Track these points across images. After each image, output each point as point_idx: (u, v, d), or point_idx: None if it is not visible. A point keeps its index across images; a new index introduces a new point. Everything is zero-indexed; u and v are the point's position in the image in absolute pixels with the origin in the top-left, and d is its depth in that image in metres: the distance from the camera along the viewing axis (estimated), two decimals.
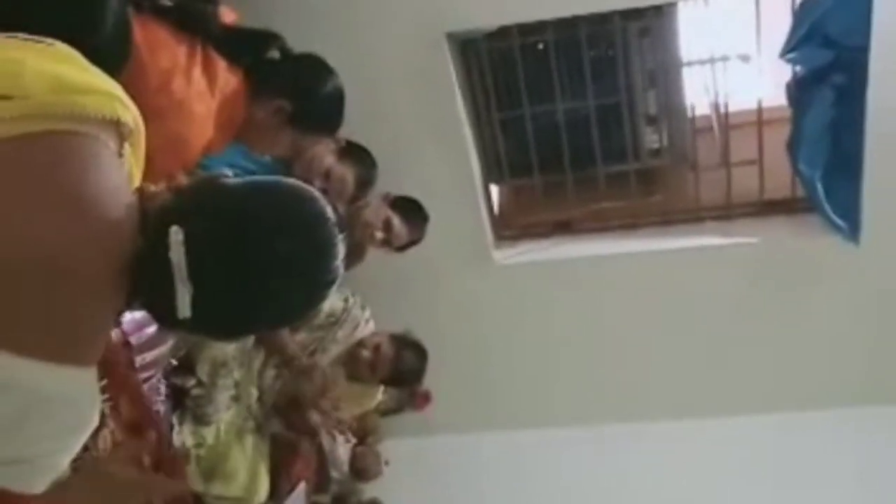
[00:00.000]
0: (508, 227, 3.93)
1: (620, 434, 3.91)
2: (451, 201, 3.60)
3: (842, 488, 3.71)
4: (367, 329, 3.40)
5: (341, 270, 1.38)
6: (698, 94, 3.88)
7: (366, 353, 3.33)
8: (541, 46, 3.59)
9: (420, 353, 3.40)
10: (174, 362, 2.63)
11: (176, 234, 1.17)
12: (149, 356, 2.30)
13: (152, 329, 2.32)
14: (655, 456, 3.85)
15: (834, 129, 3.26)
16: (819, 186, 3.37)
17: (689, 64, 3.80)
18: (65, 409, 1.13)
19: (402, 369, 3.37)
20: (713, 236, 3.68)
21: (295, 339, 3.23)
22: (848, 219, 3.40)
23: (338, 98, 2.36)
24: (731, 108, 3.72)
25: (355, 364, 3.34)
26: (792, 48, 3.10)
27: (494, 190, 3.94)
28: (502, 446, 3.98)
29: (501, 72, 3.60)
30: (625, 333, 3.79)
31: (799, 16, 3.08)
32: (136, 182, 1.33)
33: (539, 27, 3.46)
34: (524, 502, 3.83)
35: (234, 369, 3.08)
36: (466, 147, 3.61)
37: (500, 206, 4.00)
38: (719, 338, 3.73)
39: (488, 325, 3.86)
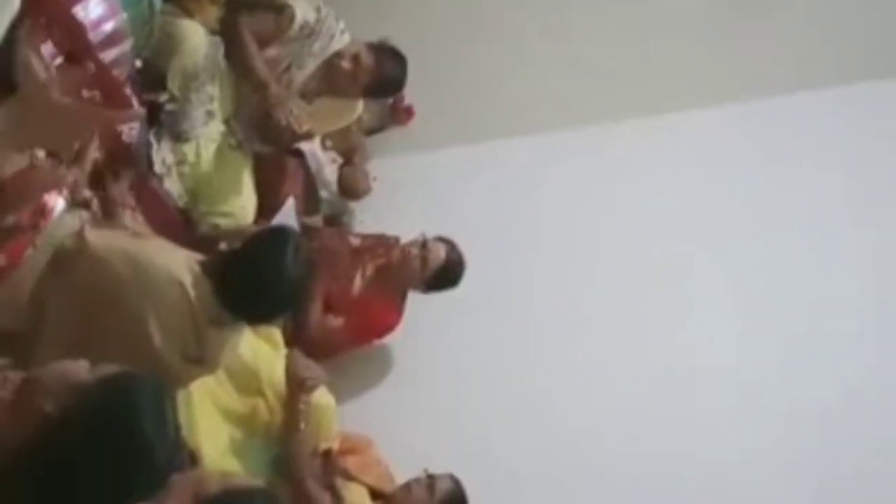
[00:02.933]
0: None
1: (605, 134, 3.89)
2: None
3: (828, 171, 3.73)
4: (342, 41, 3.28)
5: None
6: None
7: (345, 64, 3.24)
8: None
9: (399, 59, 3.33)
10: (139, 64, 2.50)
11: None
12: (111, 53, 2.18)
13: (110, 26, 2.20)
14: (639, 153, 3.86)
15: None
16: None
17: None
18: None
19: (383, 77, 3.29)
20: None
21: (267, 57, 3.13)
22: None
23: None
24: None
25: (335, 76, 3.25)
26: None
27: None
28: (487, 157, 3.96)
29: None
30: (601, 27, 3.66)
31: None
32: None
33: None
34: (513, 211, 3.84)
35: (207, 83, 3.00)
36: None
37: None
38: (698, 24, 3.60)
39: (467, 32, 3.72)
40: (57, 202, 2.00)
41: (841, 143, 3.72)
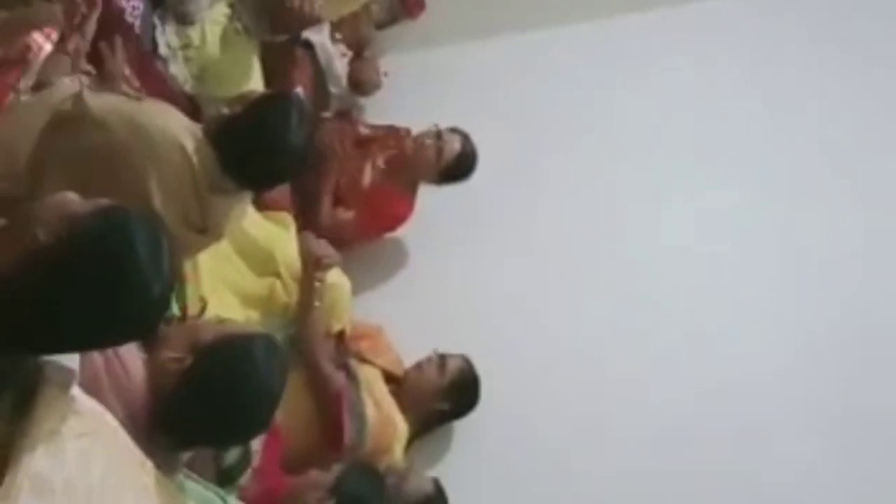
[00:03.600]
0: None
1: (620, 26, 3.82)
2: None
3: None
4: None
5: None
6: None
7: None
8: None
9: None
10: None
11: None
12: None
13: None
14: (661, 44, 3.77)
15: None
16: None
17: None
18: None
19: None
20: None
21: None
22: None
23: None
24: None
25: None
26: None
27: None
28: (499, 50, 3.89)
29: None
30: None
31: None
32: None
33: None
34: (525, 106, 3.77)
35: None
36: None
37: None
38: None
39: None
40: (45, 44, 1.95)
41: None
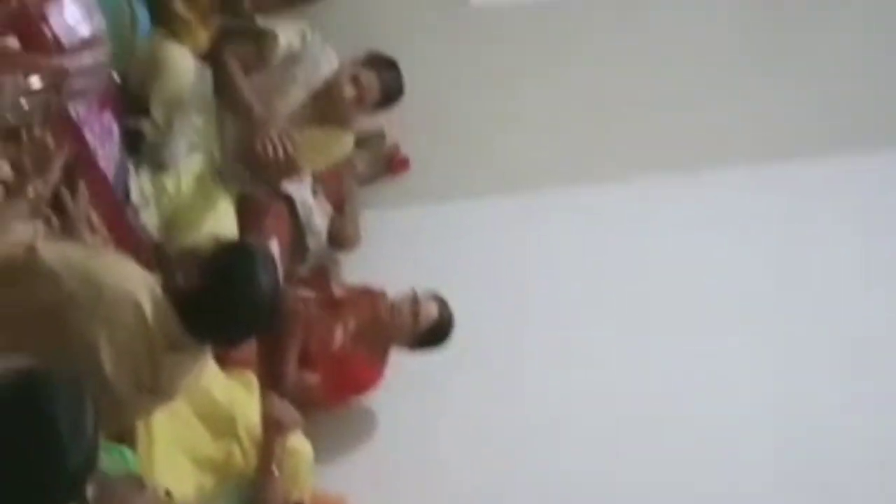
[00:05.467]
0: None
1: (603, 194, 3.76)
2: None
3: (837, 240, 3.61)
4: (329, 68, 3.18)
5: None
6: None
7: (348, 90, 3.14)
8: None
9: (392, 64, 3.26)
10: (117, 78, 2.38)
11: None
12: (84, 58, 2.05)
13: (85, 29, 2.07)
14: (641, 213, 3.74)
15: None
16: None
17: None
18: None
19: (390, 89, 3.22)
20: None
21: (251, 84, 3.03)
22: None
23: None
24: None
25: (339, 105, 3.16)
26: None
27: None
28: (483, 213, 3.83)
29: None
30: (603, 82, 3.57)
31: None
32: None
33: None
34: (504, 269, 3.70)
35: (192, 112, 2.88)
36: None
37: None
38: (705, 81, 3.51)
39: (464, 79, 3.62)
40: None
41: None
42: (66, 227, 2.19)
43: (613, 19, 3.49)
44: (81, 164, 2.37)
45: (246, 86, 2.95)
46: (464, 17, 3.54)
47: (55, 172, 2.12)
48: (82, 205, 2.21)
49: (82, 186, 2.23)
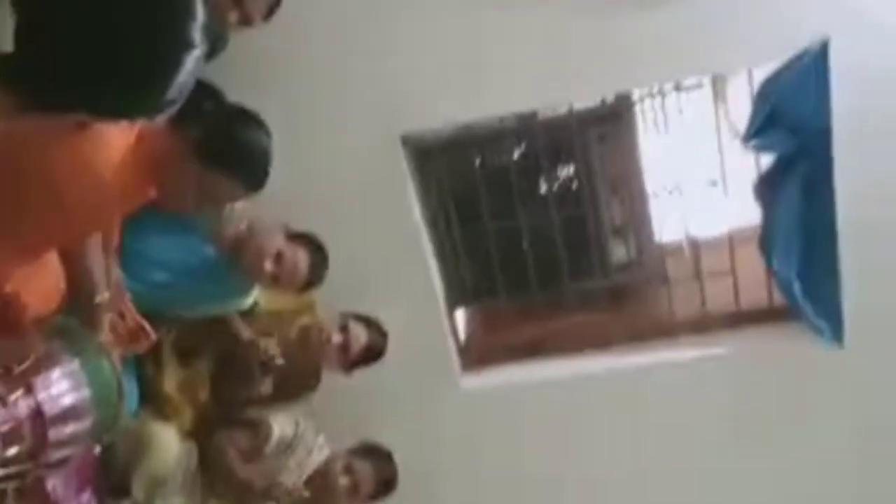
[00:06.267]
0: (475, 352, 3.71)
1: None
2: (415, 327, 3.41)
3: None
4: (321, 456, 3.13)
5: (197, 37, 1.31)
6: (666, 219, 3.83)
7: (343, 481, 3.07)
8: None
9: (389, 456, 3.18)
10: (98, 450, 2.33)
11: None
12: (65, 431, 2.02)
13: (69, 401, 2.06)
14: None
15: (805, 221, 3.15)
16: (796, 285, 3.22)
17: (656, 195, 3.79)
18: None
19: (385, 480, 3.13)
20: (689, 350, 3.48)
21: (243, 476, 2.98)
22: (830, 318, 3.22)
23: (259, 151, 2.18)
24: (701, 234, 3.69)
25: (332, 496, 3.06)
26: (754, 134, 3.03)
27: (460, 314, 3.77)
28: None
29: (460, 186, 3.53)
30: (598, 461, 3.51)
31: (757, 100, 3.05)
32: None
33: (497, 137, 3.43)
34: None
35: (175, 491, 2.79)
36: (429, 270, 3.47)
37: (467, 328, 3.80)
38: (705, 462, 3.44)
39: (454, 456, 3.56)
40: None
41: None
42: None
43: (599, 402, 3.53)
44: None
45: (242, 467, 2.91)
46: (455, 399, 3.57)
47: None
48: None
49: None
